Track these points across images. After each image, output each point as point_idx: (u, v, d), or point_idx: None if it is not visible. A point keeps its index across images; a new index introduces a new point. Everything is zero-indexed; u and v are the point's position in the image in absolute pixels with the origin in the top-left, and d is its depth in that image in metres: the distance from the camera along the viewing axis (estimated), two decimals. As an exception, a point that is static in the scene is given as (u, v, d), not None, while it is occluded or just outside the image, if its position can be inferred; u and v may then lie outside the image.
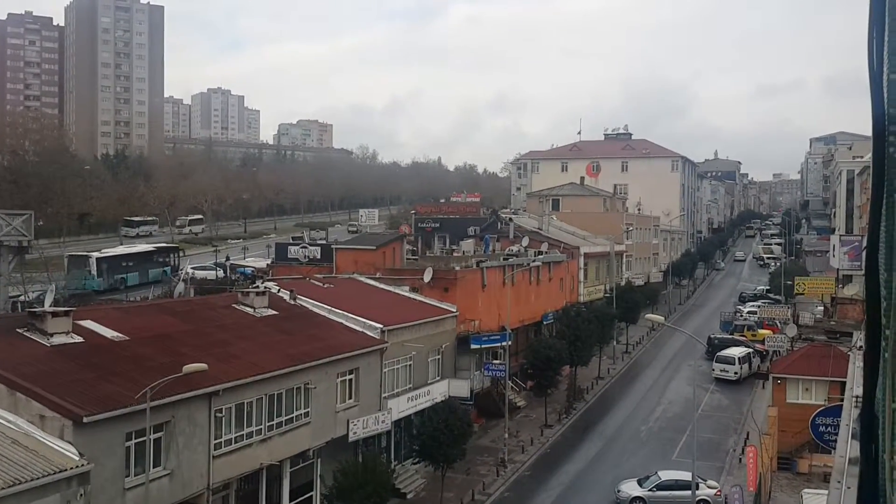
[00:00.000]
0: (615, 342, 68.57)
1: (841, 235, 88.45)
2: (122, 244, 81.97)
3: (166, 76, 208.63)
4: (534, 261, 61.58)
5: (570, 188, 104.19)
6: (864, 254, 2.56)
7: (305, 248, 60.01)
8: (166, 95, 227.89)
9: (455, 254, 64.70)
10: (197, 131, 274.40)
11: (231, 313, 37.56)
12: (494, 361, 51.03)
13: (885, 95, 2.48)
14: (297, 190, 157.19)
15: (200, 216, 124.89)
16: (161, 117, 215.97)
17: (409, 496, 40.53)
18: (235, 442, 30.15)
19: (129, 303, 54.93)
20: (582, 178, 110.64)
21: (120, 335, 30.33)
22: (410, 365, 42.93)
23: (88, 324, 30.33)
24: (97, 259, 68.58)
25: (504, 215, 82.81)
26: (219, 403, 29.04)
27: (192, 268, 75.14)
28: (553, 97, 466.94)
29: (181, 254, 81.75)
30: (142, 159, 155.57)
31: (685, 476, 37.48)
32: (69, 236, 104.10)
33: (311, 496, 36.10)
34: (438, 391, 44.30)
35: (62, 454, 22.63)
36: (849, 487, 2.64)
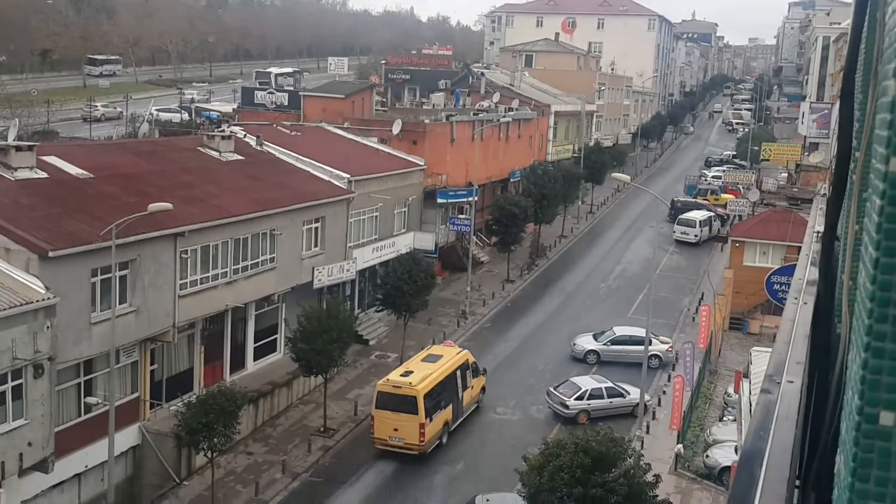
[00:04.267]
0: (580, 202, 69.19)
1: (812, 103, 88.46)
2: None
3: None
4: (504, 117, 61.09)
5: (545, 44, 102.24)
6: (842, 76, 2.57)
7: (272, 93, 58.82)
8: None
9: (425, 107, 63.91)
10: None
11: (196, 156, 37.14)
12: (460, 216, 51.41)
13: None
14: (264, 34, 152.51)
15: (118, 56, 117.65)
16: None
17: (371, 343, 41.59)
18: (201, 283, 30.49)
19: (92, 141, 53.98)
20: (557, 35, 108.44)
21: (84, 172, 29.96)
22: (376, 216, 43.15)
23: (52, 160, 29.87)
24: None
25: (476, 70, 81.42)
26: (184, 245, 29.15)
27: (156, 109, 73.64)
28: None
29: None
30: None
31: (639, 332, 38.74)
32: (31, 73, 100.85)
33: (276, 339, 36.93)
34: (403, 243, 44.74)
35: (28, 287, 22.77)
36: (805, 303, 2.78)
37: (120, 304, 26.36)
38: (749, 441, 2.10)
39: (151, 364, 29.73)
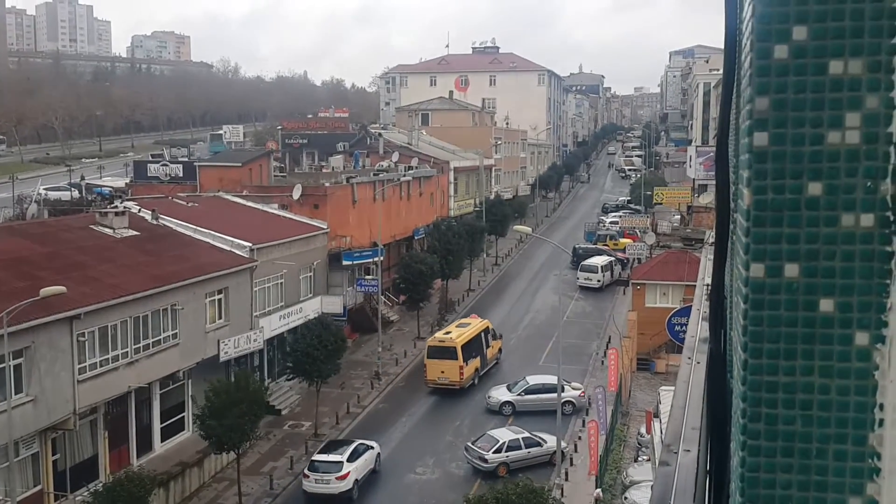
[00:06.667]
0: (485, 255, 69.87)
1: (697, 146, 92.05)
2: None
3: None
4: (404, 176, 61.52)
5: (439, 102, 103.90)
6: (716, 138, 2.65)
7: (166, 165, 57.80)
8: (8, 5, 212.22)
9: (324, 170, 63.80)
10: (43, 44, 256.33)
11: (89, 235, 36.07)
12: (367, 277, 51.21)
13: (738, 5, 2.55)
14: (154, 106, 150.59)
15: (1, 136, 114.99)
16: (3, 29, 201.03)
17: (283, 412, 40.69)
18: (101, 366, 29.42)
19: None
20: (451, 93, 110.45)
21: (-31, 260, 28.71)
22: (281, 283, 42.60)
23: (-67, 249, 28.54)
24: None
25: (373, 130, 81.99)
26: (81, 327, 28.13)
27: (44, 188, 71.43)
28: (420, 7, 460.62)
29: None
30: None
31: (551, 380, 39.02)
32: None
33: (184, 417, 35.77)
34: (311, 308, 44.22)
35: (-88, 385, 21.50)
36: (698, 362, 2.84)
37: (16, 393, 25.19)
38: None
39: (53, 454, 28.39)
